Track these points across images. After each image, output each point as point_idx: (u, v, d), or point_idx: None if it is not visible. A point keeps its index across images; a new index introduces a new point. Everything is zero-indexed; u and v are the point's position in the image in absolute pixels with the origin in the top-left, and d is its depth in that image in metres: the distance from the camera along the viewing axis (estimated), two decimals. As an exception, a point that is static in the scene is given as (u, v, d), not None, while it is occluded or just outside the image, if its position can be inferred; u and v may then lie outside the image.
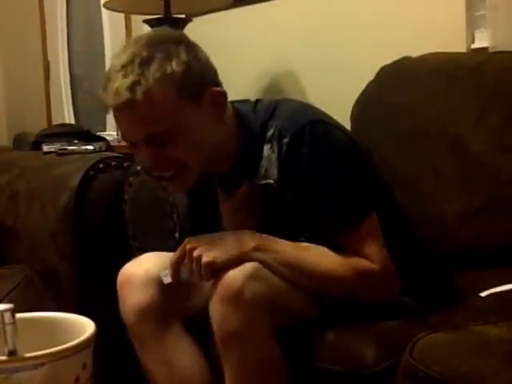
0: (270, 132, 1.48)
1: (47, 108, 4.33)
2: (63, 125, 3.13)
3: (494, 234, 1.74)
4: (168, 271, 1.48)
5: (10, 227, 2.24)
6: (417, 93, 1.90)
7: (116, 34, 3.75)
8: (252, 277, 1.36)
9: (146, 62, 1.39)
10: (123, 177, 2.03)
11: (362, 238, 1.45)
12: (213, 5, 2.78)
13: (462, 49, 2.10)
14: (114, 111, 1.42)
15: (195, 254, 1.40)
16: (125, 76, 1.38)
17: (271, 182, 1.49)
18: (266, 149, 1.48)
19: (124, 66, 1.39)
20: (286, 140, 1.44)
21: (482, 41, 2.08)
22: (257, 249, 1.41)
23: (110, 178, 2.09)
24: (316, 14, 2.59)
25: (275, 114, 1.51)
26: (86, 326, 1.30)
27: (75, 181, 2.05)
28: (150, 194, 1.92)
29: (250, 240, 1.43)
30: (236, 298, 1.34)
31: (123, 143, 2.60)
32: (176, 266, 1.45)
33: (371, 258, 1.43)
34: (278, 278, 1.43)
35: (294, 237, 1.48)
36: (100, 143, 2.39)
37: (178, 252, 1.44)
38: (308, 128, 1.44)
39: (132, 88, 1.37)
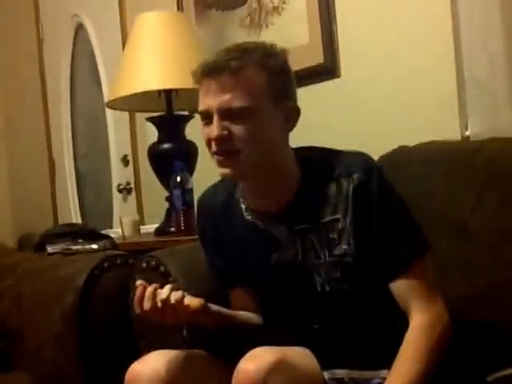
0: (337, 171, 1.55)
1: (53, 207, 4.36)
2: (67, 224, 3.14)
3: (499, 316, 1.73)
4: None
5: (15, 331, 2.22)
6: (414, 180, 1.92)
7: (120, 131, 3.82)
8: (274, 370, 1.37)
9: (249, 50, 1.51)
10: (129, 274, 2.02)
11: (423, 274, 1.52)
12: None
13: (457, 136, 2.14)
14: (206, 79, 1.50)
15: None
16: (227, 54, 1.49)
17: (338, 217, 1.53)
18: (332, 187, 1.54)
19: (228, 49, 1.52)
20: (356, 175, 1.52)
21: (475, 128, 2.09)
22: None
23: (115, 277, 2.09)
24: (312, 108, 2.62)
25: (338, 156, 1.58)
26: None
27: (80, 281, 2.05)
28: (156, 291, 1.91)
29: None
30: None
31: (129, 240, 2.66)
32: None
33: (434, 298, 1.51)
34: (300, 369, 1.44)
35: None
36: (104, 241, 2.39)
37: None
38: (376, 169, 1.55)
39: (230, 61, 1.47)
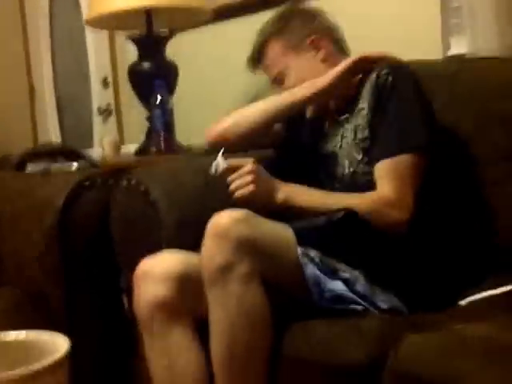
0: (375, 70, 1.74)
1: (33, 129, 4.33)
2: (48, 144, 3.12)
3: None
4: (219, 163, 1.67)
5: (-4, 251, 2.22)
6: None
7: (100, 52, 3.77)
8: (239, 220, 1.47)
9: (261, 31, 2.00)
10: (108, 194, 2.01)
11: (405, 170, 1.64)
12: (194, 19, 2.79)
13: (438, 56, 2.13)
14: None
15: (249, 178, 1.64)
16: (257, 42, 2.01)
17: (364, 106, 1.75)
18: (368, 82, 1.75)
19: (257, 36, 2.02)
20: (383, 71, 1.71)
21: (457, 48, 2.10)
22: (283, 202, 1.67)
23: (95, 196, 2.08)
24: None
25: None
26: (59, 345, 1.28)
27: (60, 201, 2.03)
28: (136, 211, 1.91)
29: (280, 194, 1.68)
30: (222, 235, 1.45)
31: (109, 160, 2.65)
32: (230, 171, 1.67)
33: (393, 190, 1.62)
34: (265, 227, 1.54)
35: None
36: (84, 161, 2.38)
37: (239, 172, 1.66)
38: (403, 69, 1.72)
39: (257, 49, 2.00)
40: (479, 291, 1.57)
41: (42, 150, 2.51)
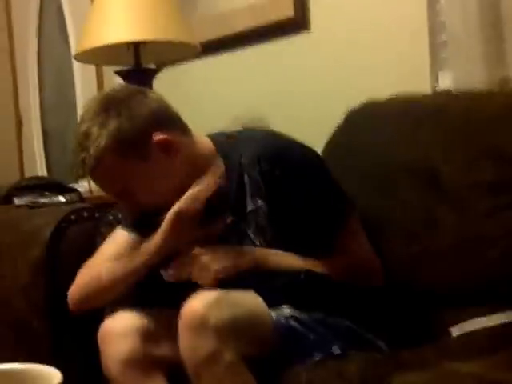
0: (246, 159, 1.59)
1: (20, 162, 4.32)
2: (35, 177, 3.12)
3: (462, 273, 1.74)
4: (170, 271, 1.59)
5: (-19, 283, 2.20)
6: (384, 134, 1.90)
7: (88, 86, 3.77)
8: (214, 304, 1.40)
9: (87, 137, 1.56)
10: (95, 228, 2.02)
11: (351, 235, 1.62)
12: (181, 54, 2.80)
13: (427, 90, 2.13)
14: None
15: (203, 260, 1.54)
16: (82, 150, 1.57)
17: (260, 205, 1.59)
18: (245, 176, 1.59)
19: (79, 142, 1.59)
20: (263, 163, 1.57)
21: (445, 82, 2.11)
22: (255, 263, 1.56)
23: (82, 230, 2.09)
24: (282, 61, 2.62)
25: (244, 142, 1.64)
26: (52, 378, 1.28)
27: (47, 233, 2.05)
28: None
29: (248, 256, 1.57)
30: (201, 325, 1.38)
31: (95, 194, 2.64)
32: (181, 267, 1.57)
33: (357, 252, 1.61)
34: (239, 303, 1.48)
35: None
36: (71, 195, 2.38)
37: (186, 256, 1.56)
38: (283, 152, 1.59)
39: (85, 161, 1.57)
40: (471, 319, 1.55)
41: (29, 184, 2.50)
